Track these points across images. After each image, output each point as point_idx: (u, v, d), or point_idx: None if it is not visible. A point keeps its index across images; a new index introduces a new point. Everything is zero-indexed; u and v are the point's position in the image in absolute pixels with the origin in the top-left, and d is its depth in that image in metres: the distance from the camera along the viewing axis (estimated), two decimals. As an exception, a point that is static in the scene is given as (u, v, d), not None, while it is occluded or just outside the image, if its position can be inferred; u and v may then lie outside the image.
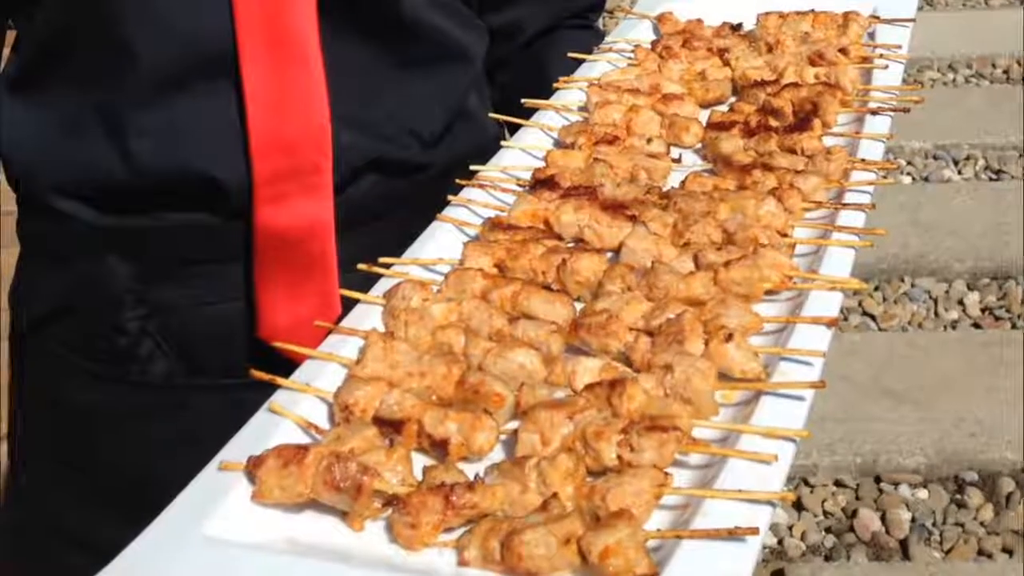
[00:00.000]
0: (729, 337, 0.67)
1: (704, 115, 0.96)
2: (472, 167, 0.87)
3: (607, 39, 1.09)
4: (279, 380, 0.67)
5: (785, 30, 1.06)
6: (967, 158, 3.19)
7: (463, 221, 0.83)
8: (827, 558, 2.10)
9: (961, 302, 2.70)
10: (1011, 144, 3.18)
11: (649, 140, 0.92)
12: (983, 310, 2.68)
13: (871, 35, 1.07)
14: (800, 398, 0.64)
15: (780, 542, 2.13)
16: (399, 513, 0.58)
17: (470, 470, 0.62)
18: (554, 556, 0.55)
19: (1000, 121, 3.25)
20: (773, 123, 0.92)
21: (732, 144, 0.89)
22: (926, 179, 3.14)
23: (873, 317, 2.66)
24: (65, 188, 0.86)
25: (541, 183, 0.85)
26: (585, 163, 0.88)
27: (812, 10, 1.09)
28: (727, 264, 0.73)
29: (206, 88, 0.82)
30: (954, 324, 2.65)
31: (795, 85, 0.96)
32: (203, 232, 0.86)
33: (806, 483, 2.23)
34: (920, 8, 1.15)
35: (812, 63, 1.00)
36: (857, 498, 2.20)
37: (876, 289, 2.73)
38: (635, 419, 0.62)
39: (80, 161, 0.84)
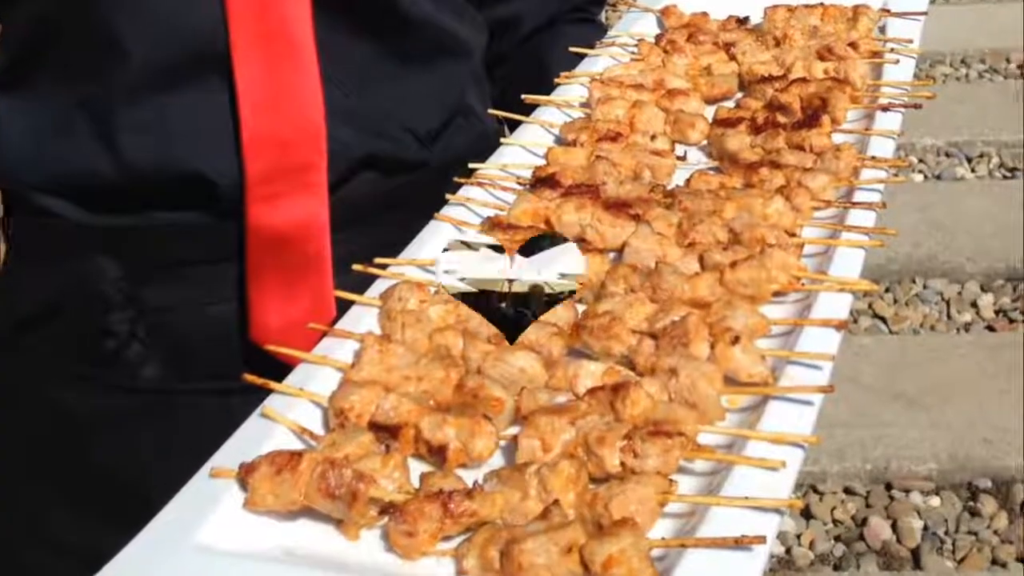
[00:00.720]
0: (735, 340, 0.66)
1: (710, 111, 0.95)
2: (471, 165, 0.86)
3: (610, 33, 1.09)
4: (272, 384, 0.66)
5: (793, 24, 1.06)
6: (980, 155, 3.17)
7: (462, 220, 0.81)
8: (836, 567, 2.08)
9: (974, 304, 2.68)
10: (1025, 141, 3.16)
11: (653, 137, 0.91)
12: (997, 312, 2.66)
13: (882, 29, 1.07)
14: (808, 403, 0.63)
15: (788, 551, 2.11)
16: (396, 521, 0.57)
17: (469, 477, 0.61)
18: (555, 565, 0.54)
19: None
20: (781, 119, 0.91)
21: (738, 141, 0.88)
22: (938, 177, 3.12)
23: (884, 319, 2.64)
24: (53, 186, 0.85)
25: (542, 181, 0.84)
26: (587, 161, 0.87)
27: (821, 3, 1.09)
28: (733, 265, 0.72)
29: (197, 85, 0.81)
30: (967, 326, 2.63)
31: (803, 80, 0.96)
32: (194, 232, 0.85)
33: (815, 490, 2.21)
34: (932, 1, 1.13)
35: (821, 58, 1.00)
36: (867, 505, 2.18)
37: (887, 291, 2.71)
38: (639, 424, 0.61)
39: (68, 159, 0.83)
